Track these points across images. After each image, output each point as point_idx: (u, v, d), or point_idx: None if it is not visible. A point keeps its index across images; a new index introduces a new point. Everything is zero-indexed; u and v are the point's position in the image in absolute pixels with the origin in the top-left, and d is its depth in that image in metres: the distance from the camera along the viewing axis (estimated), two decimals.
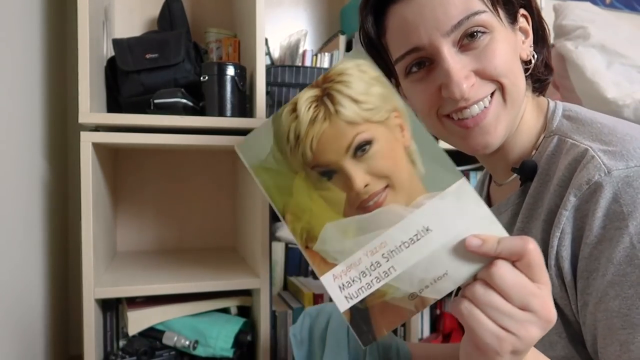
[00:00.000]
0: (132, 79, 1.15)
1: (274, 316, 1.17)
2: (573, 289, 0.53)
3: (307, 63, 1.35)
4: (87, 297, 0.99)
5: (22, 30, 0.99)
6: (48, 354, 1.13)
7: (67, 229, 1.36)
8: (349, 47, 1.39)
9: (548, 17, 1.36)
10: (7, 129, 0.90)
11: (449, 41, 0.54)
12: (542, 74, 0.63)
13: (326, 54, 1.34)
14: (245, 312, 1.22)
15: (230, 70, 1.10)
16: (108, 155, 1.24)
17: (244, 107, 1.15)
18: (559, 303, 0.54)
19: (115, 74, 1.19)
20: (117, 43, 1.17)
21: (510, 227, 0.61)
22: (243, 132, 1.12)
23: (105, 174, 1.18)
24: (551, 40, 0.69)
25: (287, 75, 1.22)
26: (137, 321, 1.08)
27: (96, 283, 1.01)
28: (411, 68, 0.57)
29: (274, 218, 1.36)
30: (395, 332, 1.19)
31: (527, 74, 0.60)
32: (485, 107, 0.55)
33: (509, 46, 0.56)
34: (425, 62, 0.56)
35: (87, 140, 0.99)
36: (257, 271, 1.11)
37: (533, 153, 0.60)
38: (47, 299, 1.13)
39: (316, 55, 1.35)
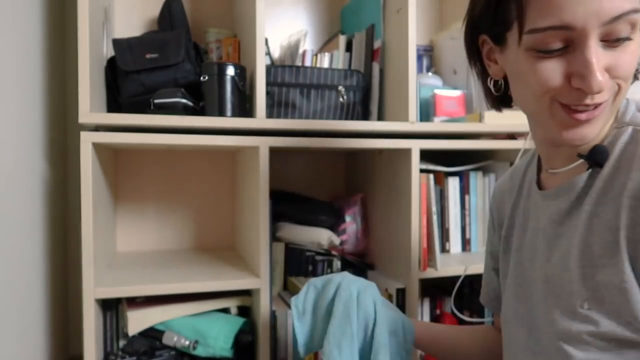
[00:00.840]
0: (132, 79, 1.15)
1: (274, 316, 1.17)
2: None
3: (307, 63, 1.35)
4: (87, 297, 0.99)
5: (22, 30, 0.99)
6: (48, 354, 1.13)
7: (67, 229, 1.36)
8: (349, 47, 1.39)
9: None
10: (7, 129, 0.90)
11: (600, 32, 0.51)
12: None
13: (326, 54, 1.34)
14: (245, 312, 1.22)
15: (230, 70, 1.10)
16: (108, 155, 1.24)
17: (244, 107, 1.15)
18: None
19: (115, 74, 1.19)
20: (117, 43, 1.17)
21: (572, 210, 0.61)
22: (243, 132, 1.13)
23: (105, 174, 1.18)
24: None
25: (287, 75, 1.22)
26: (137, 321, 1.08)
27: (96, 283, 1.02)
28: (549, 45, 0.53)
29: (274, 218, 1.36)
30: None
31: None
32: (601, 103, 0.55)
33: (639, 50, 0.55)
34: (566, 44, 0.53)
35: (87, 140, 0.99)
36: (257, 271, 1.11)
37: (604, 142, 0.60)
38: (47, 299, 1.13)
39: (316, 55, 1.35)
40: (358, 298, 0.77)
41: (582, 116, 0.55)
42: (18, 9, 0.96)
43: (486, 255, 0.86)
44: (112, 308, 1.13)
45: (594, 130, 0.56)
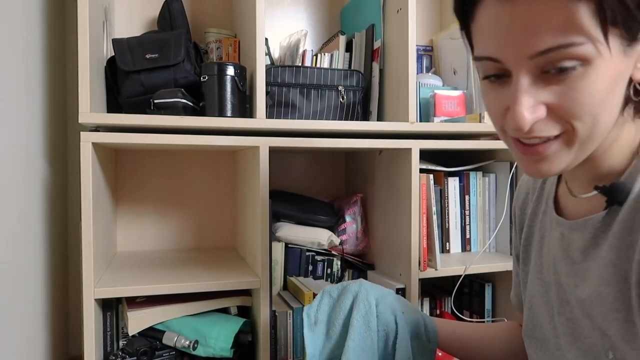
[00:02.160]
0: (132, 79, 1.15)
1: (274, 316, 1.17)
2: None
3: (307, 63, 1.35)
4: (87, 297, 0.99)
5: (22, 30, 0.99)
6: (48, 354, 1.13)
7: (67, 229, 1.36)
8: (349, 47, 1.39)
9: None
10: (7, 129, 0.90)
11: (532, 65, 0.46)
12: None
13: (326, 54, 1.35)
14: (245, 312, 1.22)
15: (230, 70, 1.10)
16: (108, 155, 1.24)
17: (244, 107, 1.15)
18: None
19: (115, 74, 1.19)
20: (117, 43, 1.17)
21: (587, 250, 0.55)
22: (243, 132, 1.13)
23: (105, 174, 1.18)
24: None
25: (287, 75, 1.22)
26: (137, 321, 1.08)
27: (96, 283, 1.02)
28: (487, 73, 0.51)
29: (274, 218, 1.36)
30: None
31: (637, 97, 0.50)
32: (545, 141, 0.49)
33: (606, 81, 0.46)
34: (504, 74, 0.50)
35: (87, 140, 0.99)
36: (257, 271, 1.11)
37: (624, 175, 0.53)
38: (47, 299, 1.13)
39: (316, 55, 1.35)
40: (377, 309, 0.74)
41: (525, 150, 0.50)
42: (18, 9, 0.96)
43: (514, 256, 0.80)
44: (112, 308, 1.13)
45: (555, 166, 0.50)
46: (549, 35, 0.44)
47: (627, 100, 0.50)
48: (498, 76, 0.50)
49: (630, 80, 0.49)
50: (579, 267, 0.56)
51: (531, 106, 0.47)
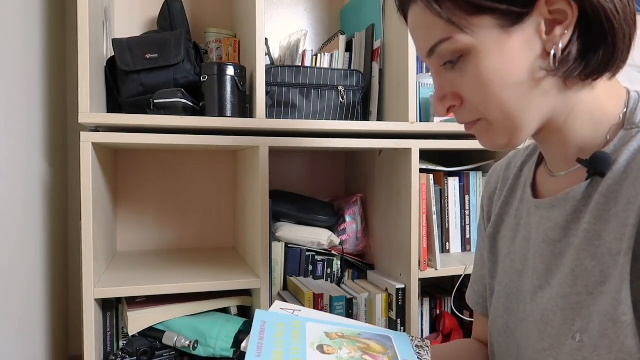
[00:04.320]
0: (132, 79, 1.15)
1: None
2: None
3: (307, 63, 1.35)
4: (87, 297, 0.99)
5: (22, 30, 0.99)
6: (48, 354, 1.13)
7: (67, 229, 1.36)
8: (349, 47, 1.39)
9: None
10: (7, 129, 0.90)
11: (433, 62, 0.55)
12: (600, 55, 0.51)
13: (326, 54, 1.35)
14: (245, 312, 1.22)
15: (230, 70, 1.10)
16: (108, 155, 1.24)
17: (244, 107, 1.15)
18: None
19: (115, 74, 1.19)
20: (117, 43, 1.17)
21: (568, 226, 0.54)
22: (243, 132, 1.13)
23: (105, 174, 1.18)
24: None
25: (287, 75, 1.22)
26: (137, 321, 1.08)
27: (96, 283, 1.02)
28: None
29: (274, 218, 1.36)
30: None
31: (557, 67, 0.50)
32: (474, 122, 0.56)
33: (496, 63, 0.49)
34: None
35: (87, 140, 0.99)
36: (257, 271, 1.11)
37: (606, 146, 0.52)
38: (47, 299, 1.13)
39: (316, 55, 1.35)
40: None
41: (468, 128, 0.57)
42: (18, 9, 0.96)
43: (477, 252, 0.78)
44: (112, 308, 1.13)
45: (500, 140, 0.54)
46: (426, 38, 0.53)
47: (552, 72, 0.50)
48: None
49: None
50: (560, 245, 0.55)
51: (442, 96, 0.55)
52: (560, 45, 0.49)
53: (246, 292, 1.20)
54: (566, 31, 0.49)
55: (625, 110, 0.54)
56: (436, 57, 0.53)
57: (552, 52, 0.50)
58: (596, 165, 0.51)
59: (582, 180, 0.54)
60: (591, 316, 0.49)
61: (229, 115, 1.10)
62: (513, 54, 0.50)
